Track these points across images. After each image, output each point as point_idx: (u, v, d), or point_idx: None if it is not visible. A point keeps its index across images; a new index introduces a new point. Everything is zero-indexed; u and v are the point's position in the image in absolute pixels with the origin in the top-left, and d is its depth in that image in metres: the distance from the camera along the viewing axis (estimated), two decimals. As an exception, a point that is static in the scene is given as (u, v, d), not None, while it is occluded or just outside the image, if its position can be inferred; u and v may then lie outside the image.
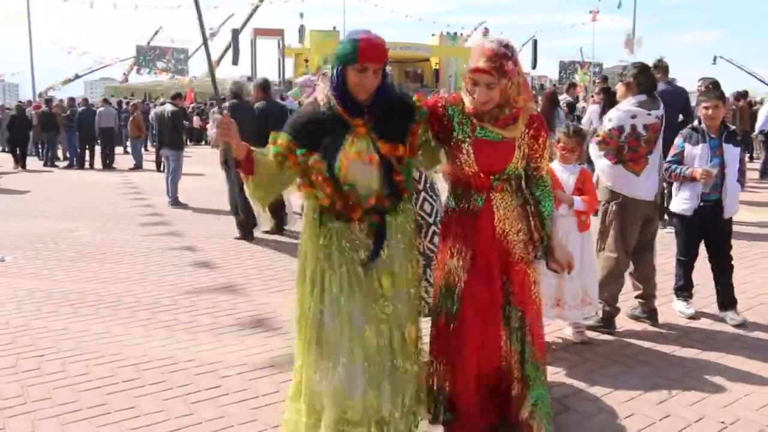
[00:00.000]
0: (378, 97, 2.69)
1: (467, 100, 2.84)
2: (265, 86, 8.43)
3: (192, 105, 26.91)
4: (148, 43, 41.03)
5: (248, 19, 43.92)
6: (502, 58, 2.71)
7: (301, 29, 45.76)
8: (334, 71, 2.66)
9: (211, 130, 2.57)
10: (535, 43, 46.65)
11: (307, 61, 37.29)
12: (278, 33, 43.75)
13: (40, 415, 3.50)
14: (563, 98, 10.09)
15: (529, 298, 2.95)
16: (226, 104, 7.92)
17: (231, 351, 4.37)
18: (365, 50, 2.58)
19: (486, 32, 51.06)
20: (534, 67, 46.89)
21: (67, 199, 11.88)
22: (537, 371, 2.96)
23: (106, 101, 20.92)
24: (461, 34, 51.46)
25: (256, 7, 42.93)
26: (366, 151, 2.68)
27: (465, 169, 2.86)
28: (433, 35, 50.26)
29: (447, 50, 43.94)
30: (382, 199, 2.75)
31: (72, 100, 21.34)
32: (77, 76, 35.91)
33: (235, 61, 39.86)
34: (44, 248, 7.59)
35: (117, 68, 40.24)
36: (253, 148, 2.70)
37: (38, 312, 5.24)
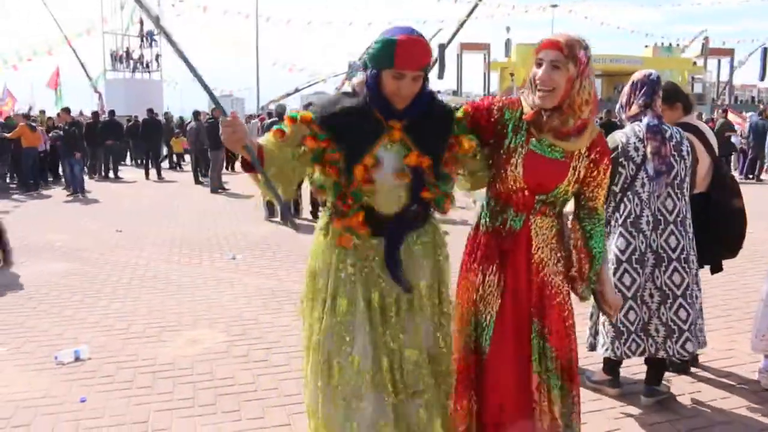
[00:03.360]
0: (416, 104, 2.35)
1: (527, 105, 2.50)
2: (306, 108, 11.12)
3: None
4: (360, 59, 43.19)
5: (455, 34, 44.54)
6: (575, 43, 2.39)
7: (507, 43, 45.63)
8: (368, 73, 2.30)
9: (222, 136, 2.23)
10: (765, 51, 42.45)
11: (512, 74, 37.15)
12: (484, 47, 44.01)
13: (270, 403, 3.81)
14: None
15: (566, 336, 2.59)
16: (267, 122, 11.06)
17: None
18: (403, 55, 2.18)
19: (707, 42, 47.54)
20: (762, 78, 42.73)
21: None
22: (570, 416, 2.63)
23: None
24: (678, 45, 48.26)
25: (463, 22, 43.40)
26: (395, 163, 2.35)
27: (509, 183, 2.51)
28: (646, 47, 47.66)
29: (661, 62, 41.54)
30: (406, 212, 2.40)
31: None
32: (297, 90, 38.64)
33: (440, 76, 40.62)
34: (268, 249, 8.25)
35: (330, 82, 42.74)
36: (262, 143, 2.33)
37: (265, 308, 5.71)
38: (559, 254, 2.58)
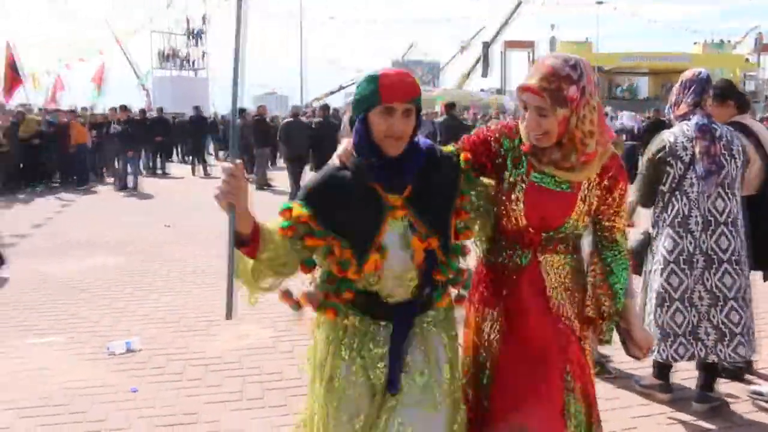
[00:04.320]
0: (413, 153, 2.07)
1: (524, 134, 2.21)
2: (325, 108, 13.67)
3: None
4: (403, 57, 43.25)
5: (499, 32, 44.31)
6: (561, 81, 2.06)
7: (552, 41, 45.11)
8: (356, 124, 2.07)
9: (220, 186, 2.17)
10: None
11: (557, 73, 36.80)
12: (529, 45, 43.63)
13: (293, 392, 3.91)
14: None
15: (590, 382, 2.31)
16: (284, 121, 13.41)
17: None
18: (389, 86, 1.99)
19: (760, 37, 46.26)
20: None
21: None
22: None
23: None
24: (729, 41, 47.15)
25: (507, 20, 43.14)
26: (401, 244, 2.06)
27: (512, 221, 2.22)
28: (695, 44, 46.65)
29: (711, 59, 40.56)
30: (418, 297, 2.13)
31: (336, 110, 23.24)
32: (341, 88, 38.91)
33: (485, 74, 40.47)
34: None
35: (374, 81, 43.01)
36: (259, 220, 2.06)
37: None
38: (576, 295, 2.29)
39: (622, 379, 4.02)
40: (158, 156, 19.23)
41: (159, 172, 19.00)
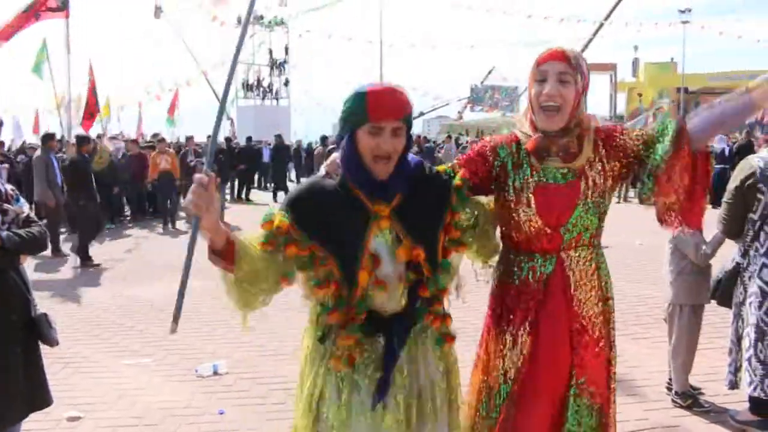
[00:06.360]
0: (401, 172, 2.01)
1: (524, 135, 2.22)
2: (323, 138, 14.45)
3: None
4: (482, 82, 43.15)
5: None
6: (579, 56, 2.14)
7: (635, 62, 44.21)
8: (344, 140, 2.00)
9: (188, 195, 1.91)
10: None
11: (640, 95, 35.92)
12: (610, 67, 42.79)
13: None
14: None
15: (608, 390, 2.28)
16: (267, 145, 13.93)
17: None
18: (377, 104, 1.90)
19: None
20: None
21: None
22: None
23: (450, 137, 23.11)
24: (827, 60, 45.03)
25: (588, 42, 42.43)
26: (389, 254, 2.00)
27: (525, 227, 2.20)
28: (790, 62, 44.73)
29: (807, 78, 38.59)
30: (408, 311, 2.07)
31: (418, 137, 23.57)
32: (421, 114, 39.05)
33: (564, 98, 39.83)
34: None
35: (452, 107, 42.97)
36: (233, 233, 1.98)
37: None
38: (599, 293, 2.26)
39: (716, 413, 3.86)
40: (243, 184, 19.73)
41: (244, 198, 19.54)
